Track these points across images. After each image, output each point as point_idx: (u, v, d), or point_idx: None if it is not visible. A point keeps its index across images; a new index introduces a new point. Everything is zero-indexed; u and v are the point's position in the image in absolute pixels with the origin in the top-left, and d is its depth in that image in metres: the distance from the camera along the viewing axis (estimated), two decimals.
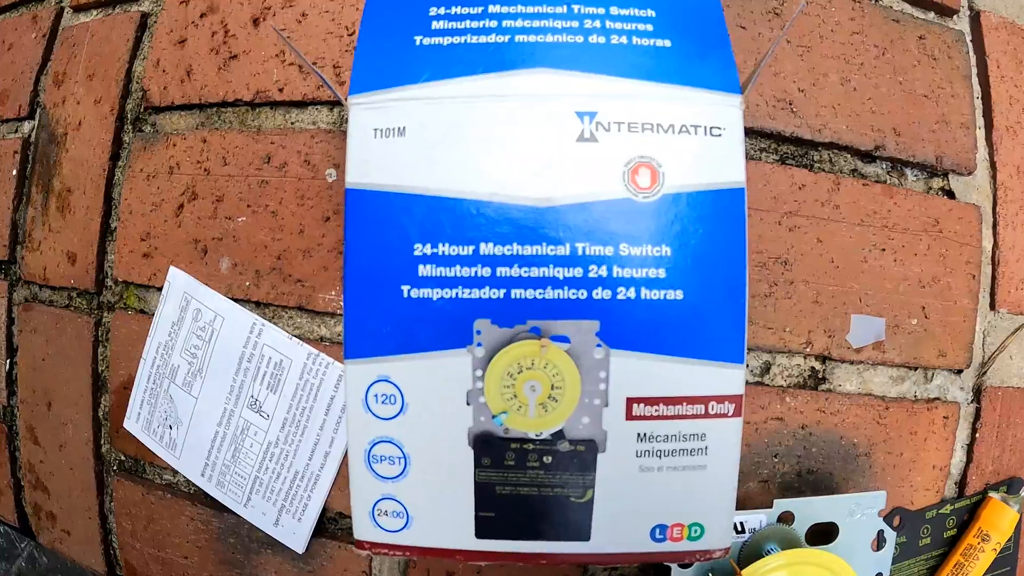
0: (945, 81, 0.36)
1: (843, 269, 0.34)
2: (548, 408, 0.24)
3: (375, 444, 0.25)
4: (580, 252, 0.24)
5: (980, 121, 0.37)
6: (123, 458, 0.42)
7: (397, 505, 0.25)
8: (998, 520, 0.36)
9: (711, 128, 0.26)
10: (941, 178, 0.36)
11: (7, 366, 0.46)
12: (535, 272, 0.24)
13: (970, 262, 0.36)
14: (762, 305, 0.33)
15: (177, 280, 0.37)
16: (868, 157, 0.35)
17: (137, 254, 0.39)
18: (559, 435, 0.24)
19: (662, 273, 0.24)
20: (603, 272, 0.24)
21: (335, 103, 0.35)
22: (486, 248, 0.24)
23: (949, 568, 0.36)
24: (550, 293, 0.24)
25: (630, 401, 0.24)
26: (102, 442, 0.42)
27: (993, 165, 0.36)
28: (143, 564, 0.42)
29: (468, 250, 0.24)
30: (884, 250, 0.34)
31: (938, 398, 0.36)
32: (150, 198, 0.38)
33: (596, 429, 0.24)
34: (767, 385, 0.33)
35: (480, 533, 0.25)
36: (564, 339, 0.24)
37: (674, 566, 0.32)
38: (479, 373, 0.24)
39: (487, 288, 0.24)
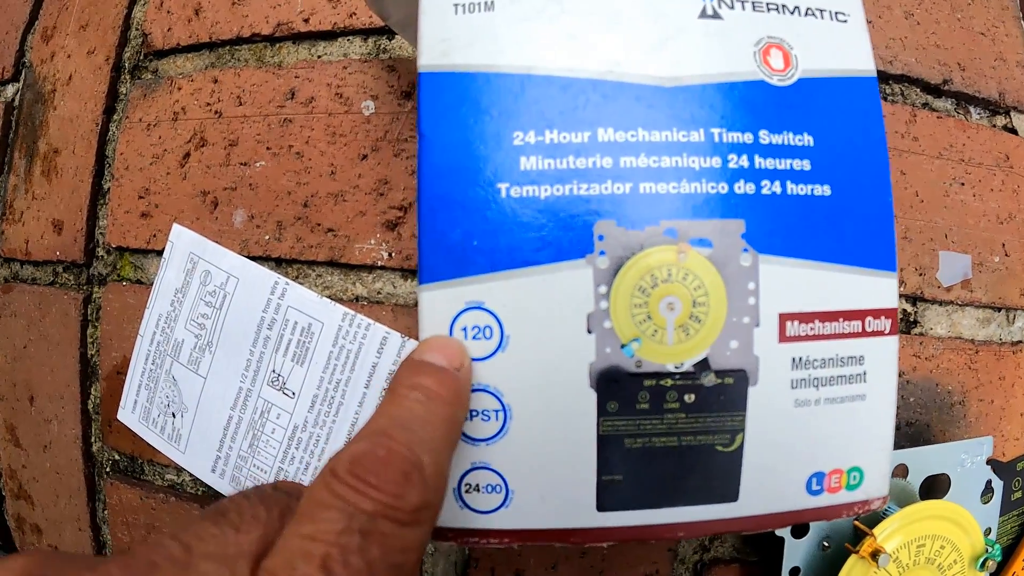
0: (998, 20, 0.31)
1: (928, 203, 0.28)
2: (690, 331, 0.16)
3: None
4: (717, 139, 0.17)
5: None
6: (117, 457, 0.32)
7: (493, 476, 0.17)
8: None
9: (836, 13, 0.20)
10: (1004, 115, 0.31)
11: None
12: (666, 162, 0.17)
13: None
14: None
15: (181, 239, 0.28)
16: (936, 92, 0.30)
17: (134, 214, 0.30)
18: (703, 366, 0.17)
19: (807, 165, 0.17)
20: (744, 162, 0.17)
21: (370, 31, 0.27)
22: (605, 134, 0.17)
23: None
24: (686, 187, 0.16)
25: (783, 318, 0.17)
26: (92, 440, 0.32)
27: None
28: None
29: (583, 136, 0.17)
30: (964, 184, 0.29)
31: (1021, 341, 0.30)
32: (150, 150, 0.30)
33: (747, 355, 0.17)
34: None
35: (603, 504, 0.17)
36: (706, 243, 0.17)
37: (787, 536, 0.24)
38: (603, 290, 0.16)
39: (609, 182, 0.16)
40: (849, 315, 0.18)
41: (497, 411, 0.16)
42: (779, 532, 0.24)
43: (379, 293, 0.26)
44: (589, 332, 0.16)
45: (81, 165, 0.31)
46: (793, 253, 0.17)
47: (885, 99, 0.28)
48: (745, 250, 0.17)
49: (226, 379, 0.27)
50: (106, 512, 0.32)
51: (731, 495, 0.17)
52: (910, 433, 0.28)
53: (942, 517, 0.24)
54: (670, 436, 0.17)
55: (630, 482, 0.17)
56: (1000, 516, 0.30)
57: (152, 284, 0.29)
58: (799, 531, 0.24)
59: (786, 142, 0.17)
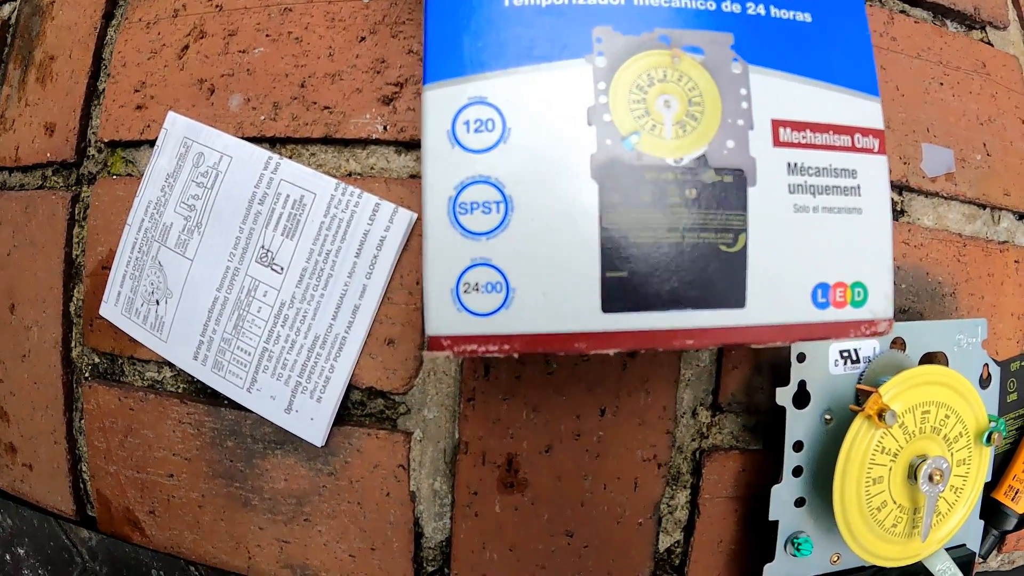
0: None
1: (908, 98, 0.28)
2: (687, 128, 0.16)
3: (465, 187, 0.16)
4: None
5: None
6: (97, 360, 0.30)
7: (493, 273, 0.16)
8: None
9: None
10: (980, 30, 0.32)
11: None
12: None
13: (1018, 107, 0.31)
14: None
15: (176, 126, 0.27)
16: (912, 1, 0.30)
17: (129, 107, 0.29)
18: (702, 162, 0.16)
19: None
20: None
21: None
22: None
23: None
24: (676, 2, 0.17)
25: (776, 124, 0.17)
26: (73, 344, 0.31)
27: None
28: (118, 493, 0.30)
29: None
30: (942, 84, 0.29)
31: (1007, 241, 0.30)
32: (148, 46, 0.29)
33: (743, 156, 0.16)
34: None
35: (608, 305, 0.16)
36: (697, 50, 0.17)
37: (788, 406, 0.23)
38: (602, 86, 0.16)
39: None
40: (839, 129, 0.18)
41: (498, 202, 0.16)
42: (780, 401, 0.23)
43: (372, 168, 0.25)
44: (589, 124, 0.16)
45: (77, 68, 0.31)
46: (781, 67, 0.17)
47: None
48: (735, 59, 0.17)
49: (213, 259, 0.26)
50: (83, 421, 0.30)
51: (738, 300, 0.16)
52: (905, 320, 0.27)
53: (943, 384, 0.23)
54: (673, 232, 0.16)
55: (635, 280, 0.16)
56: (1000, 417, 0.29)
57: (143, 176, 0.28)
58: (800, 401, 0.23)
59: None
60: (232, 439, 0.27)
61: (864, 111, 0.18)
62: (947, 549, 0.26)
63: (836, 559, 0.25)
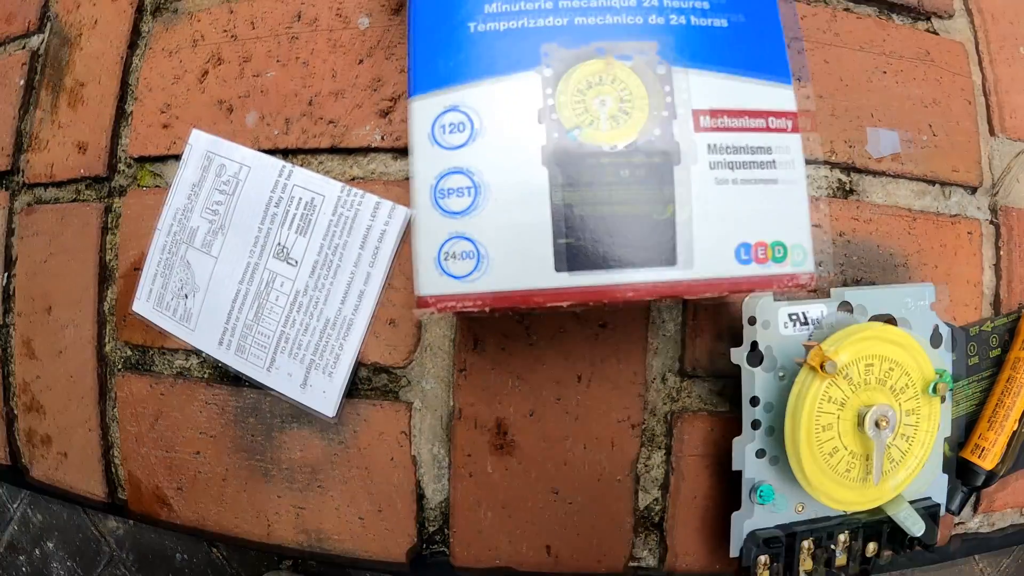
0: None
1: (852, 87, 0.34)
2: (619, 121, 0.22)
3: (443, 177, 0.22)
4: None
5: None
6: (129, 353, 0.36)
7: (467, 244, 0.22)
8: None
9: None
10: (925, 21, 0.37)
11: (3, 280, 0.40)
12: (594, 2, 0.23)
13: (964, 90, 0.36)
14: None
15: (199, 141, 0.34)
16: None
17: (156, 127, 0.36)
18: (633, 148, 0.22)
19: (706, 4, 0.24)
20: (655, 2, 0.23)
21: None
22: None
23: (1002, 384, 0.34)
24: (609, 19, 0.23)
25: (696, 113, 0.23)
26: (106, 340, 0.37)
27: (969, 12, 0.38)
28: (148, 474, 0.36)
29: None
30: (885, 72, 0.35)
31: (959, 214, 0.35)
32: (171, 72, 0.36)
33: (668, 140, 0.22)
34: None
35: (560, 265, 0.22)
36: (627, 57, 0.23)
37: (744, 365, 0.28)
38: (549, 91, 0.22)
39: (551, 17, 0.23)
40: (753, 114, 0.23)
41: (469, 188, 0.22)
42: (735, 360, 0.28)
43: (373, 173, 0.32)
44: (540, 122, 0.22)
45: (106, 93, 0.38)
46: (701, 65, 0.23)
47: (808, 3, 0.35)
48: (660, 63, 0.23)
49: (236, 256, 0.32)
50: (116, 410, 0.36)
51: (670, 259, 0.22)
52: None
53: (885, 339, 0.28)
54: (611, 204, 0.22)
55: (582, 244, 0.22)
56: (958, 381, 0.34)
57: (169, 189, 0.35)
58: (754, 361, 0.28)
59: None
60: (253, 416, 0.33)
61: (777, 96, 0.24)
62: (913, 502, 0.31)
63: (800, 508, 0.30)
